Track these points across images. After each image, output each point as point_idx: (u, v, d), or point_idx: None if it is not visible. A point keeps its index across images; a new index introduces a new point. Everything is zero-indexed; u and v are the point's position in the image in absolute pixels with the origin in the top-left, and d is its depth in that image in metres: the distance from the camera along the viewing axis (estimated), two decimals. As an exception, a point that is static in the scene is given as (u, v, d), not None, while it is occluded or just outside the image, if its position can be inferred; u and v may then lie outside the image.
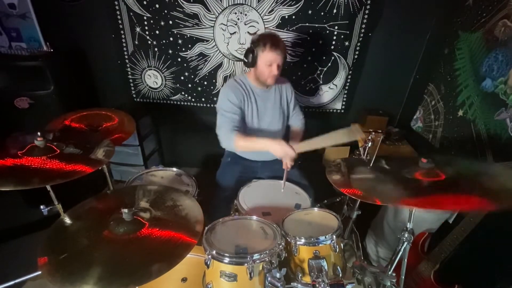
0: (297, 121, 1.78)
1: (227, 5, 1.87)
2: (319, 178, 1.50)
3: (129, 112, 1.57)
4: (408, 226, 1.03)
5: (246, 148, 1.52)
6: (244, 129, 1.56)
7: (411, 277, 1.38)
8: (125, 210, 0.86)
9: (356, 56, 2.07)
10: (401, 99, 2.29)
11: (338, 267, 1.07)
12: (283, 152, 1.37)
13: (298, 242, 1.05)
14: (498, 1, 1.42)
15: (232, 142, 1.45)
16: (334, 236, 1.07)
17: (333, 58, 2.06)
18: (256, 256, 0.92)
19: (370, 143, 1.65)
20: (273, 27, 1.93)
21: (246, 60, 1.48)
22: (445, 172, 1.00)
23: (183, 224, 0.94)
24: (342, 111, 2.32)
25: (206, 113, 2.30)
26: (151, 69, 2.14)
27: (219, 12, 1.90)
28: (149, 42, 2.02)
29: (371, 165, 1.22)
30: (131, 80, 2.21)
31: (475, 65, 1.55)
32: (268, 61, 1.42)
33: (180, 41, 2.01)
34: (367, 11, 1.89)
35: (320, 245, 1.05)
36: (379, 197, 1.00)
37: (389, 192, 1.01)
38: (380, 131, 2.03)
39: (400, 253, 1.06)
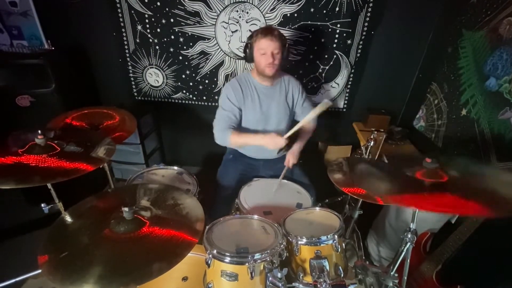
0: None
1: (229, 3, 1.86)
2: (320, 177, 1.49)
3: (130, 111, 1.57)
4: (411, 227, 1.02)
5: (240, 144, 1.53)
6: (245, 127, 1.56)
7: (413, 277, 1.37)
8: (126, 209, 0.85)
9: (358, 55, 2.05)
10: (404, 98, 2.27)
11: (340, 267, 1.06)
12: (274, 144, 1.42)
13: (299, 242, 1.05)
14: (503, -1, 1.41)
15: (227, 138, 1.49)
16: (336, 236, 1.06)
17: (335, 56, 2.05)
18: (257, 255, 0.92)
19: (372, 142, 1.65)
20: (275, 25, 1.92)
21: (245, 55, 1.49)
22: (448, 174, 0.97)
23: (184, 223, 0.93)
24: (344, 110, 2.30)
25: (207, 111, 2.28)
26: (152, 67, 2.14)
27: (220, 10, 1.89)
28: (150, 40, 2.01)
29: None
30: (132, 78, 2.20)
31: (479, 63, 1.53)
32: (262, 48, 1.40)
33: (181, 39, 2.00)
34: (369, 9, 1.87)
35: (322, 245, 1.05)
36: (373, 190, 1.00)
37: (385, 188, 1.01)
38: (382, 130, 2.02)
39: (403, 253, 1.05)
